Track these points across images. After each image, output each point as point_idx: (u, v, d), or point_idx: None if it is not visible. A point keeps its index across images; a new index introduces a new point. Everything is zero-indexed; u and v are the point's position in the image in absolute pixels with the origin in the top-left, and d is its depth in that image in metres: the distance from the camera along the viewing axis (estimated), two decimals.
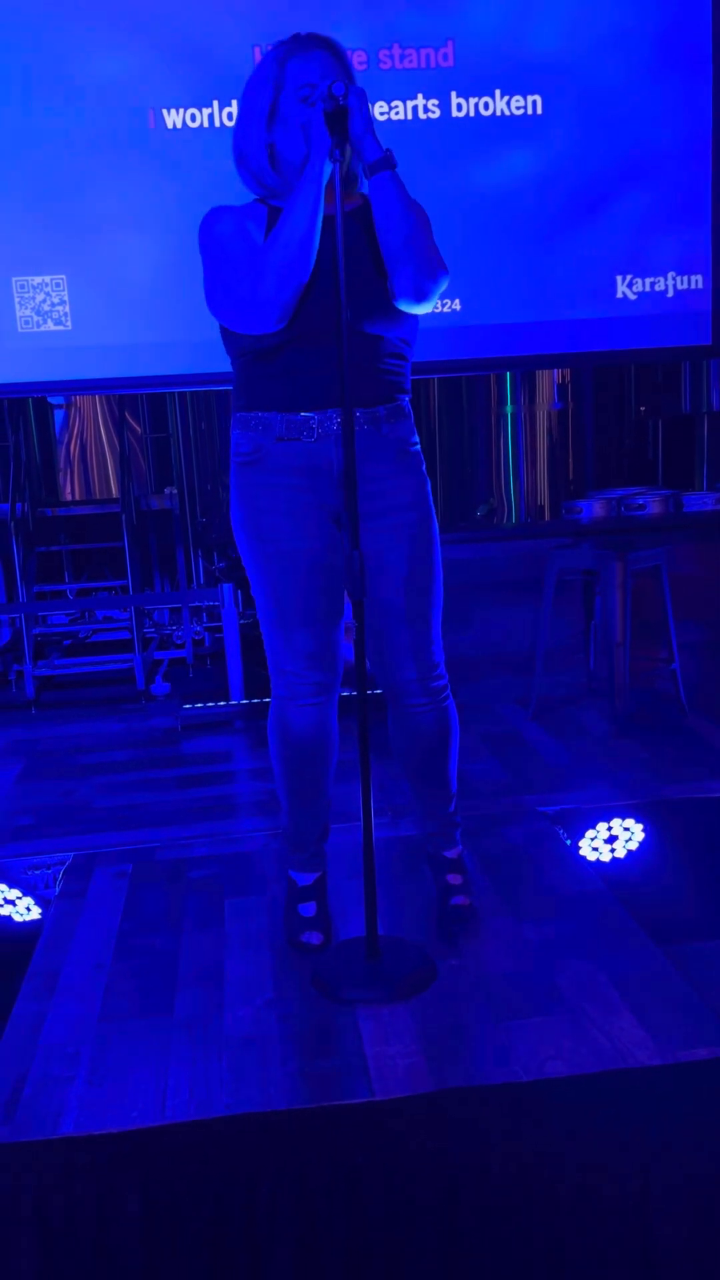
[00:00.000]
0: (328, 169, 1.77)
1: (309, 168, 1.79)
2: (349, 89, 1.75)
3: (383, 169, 1.81)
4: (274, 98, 1.88)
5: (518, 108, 3.54)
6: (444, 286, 1.92)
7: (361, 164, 1.84)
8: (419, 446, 2.04)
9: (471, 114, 3.52)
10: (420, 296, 1.87)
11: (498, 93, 3.52)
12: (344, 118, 1.76)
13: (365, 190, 1.91)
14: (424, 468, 2.05)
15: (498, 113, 3.53)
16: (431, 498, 2.05)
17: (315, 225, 1.80)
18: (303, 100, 1.85)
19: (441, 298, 2.10)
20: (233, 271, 1.87)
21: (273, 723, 2.11)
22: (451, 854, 2.23)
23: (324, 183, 1.79)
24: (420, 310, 1.92)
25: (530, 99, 3.53)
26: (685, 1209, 1.56)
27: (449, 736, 2.13)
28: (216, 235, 1.91)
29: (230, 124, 3.39)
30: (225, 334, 1.97)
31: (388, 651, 2.05)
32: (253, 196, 1.99)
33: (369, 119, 1.79)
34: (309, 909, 2.14)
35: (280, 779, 2.15)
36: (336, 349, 1.79)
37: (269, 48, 1.92)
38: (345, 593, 1.99)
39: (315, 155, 1.78)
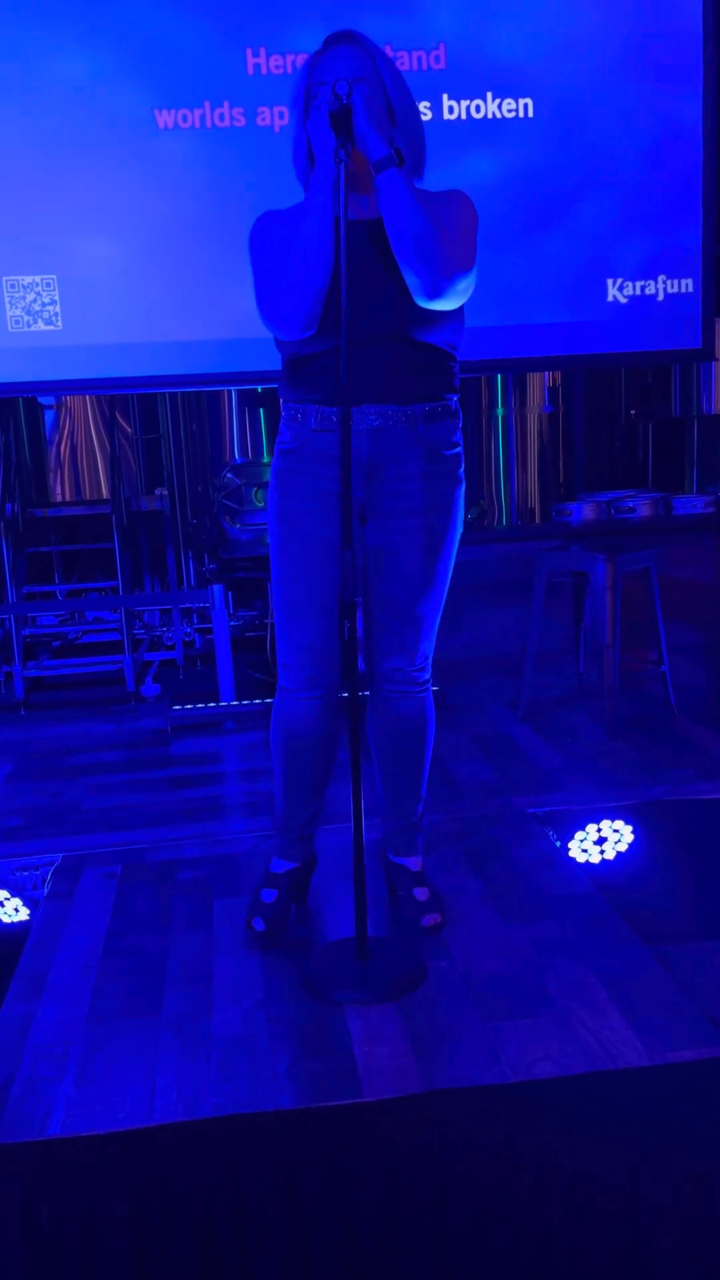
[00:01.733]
0: (335, 169, 1.75)
1: (317, 170, 1.79)
2: (353, 87, 1.73)
3: (387, 167, 1.80)
4: (305, 96, 1.89)
5: (509, 110, 3.54)
6: (464, 283, 1.89)
7: (369, 163, 1.82)
8: (459, 450, 2.03)
9: (463, 116, 3.53)
10: (436, 294, 1.85)
11: (489, 95, 3.52)
12: (348, 116, 1.74)
13: None
14: (461, 470, 2.03)
15: (489, 115, 3.54)
16: (461, 503, 2.04)
17: (325, 230, 1.79)
18: (316, 98, 1.85)
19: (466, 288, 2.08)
20: (267, 280, 1.91)
21: (276, 715, 2.13)
22: (413, 865, 2.21)
23: (332, 184, 1.77)
24: (443, 306, 1.89)
25: (521, 101, 3.54)
26: (675, 1209, 1.56)
27: (424, 731, 2.14)
28: (257, 244, 1.95)
29: (222, 125, 3.40)
30: (275, 339, 2.00)
31: (380, 641, 2.07)
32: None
33: (375, 117, 1.78)
34: (269, 895, 2.16)
35: (277, 767, 2.17)
36: (369, 350, 1.82)
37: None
38: (361, 590, 2.02)
39: (321, 157, 1.78)
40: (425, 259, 1.82)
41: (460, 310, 1.96)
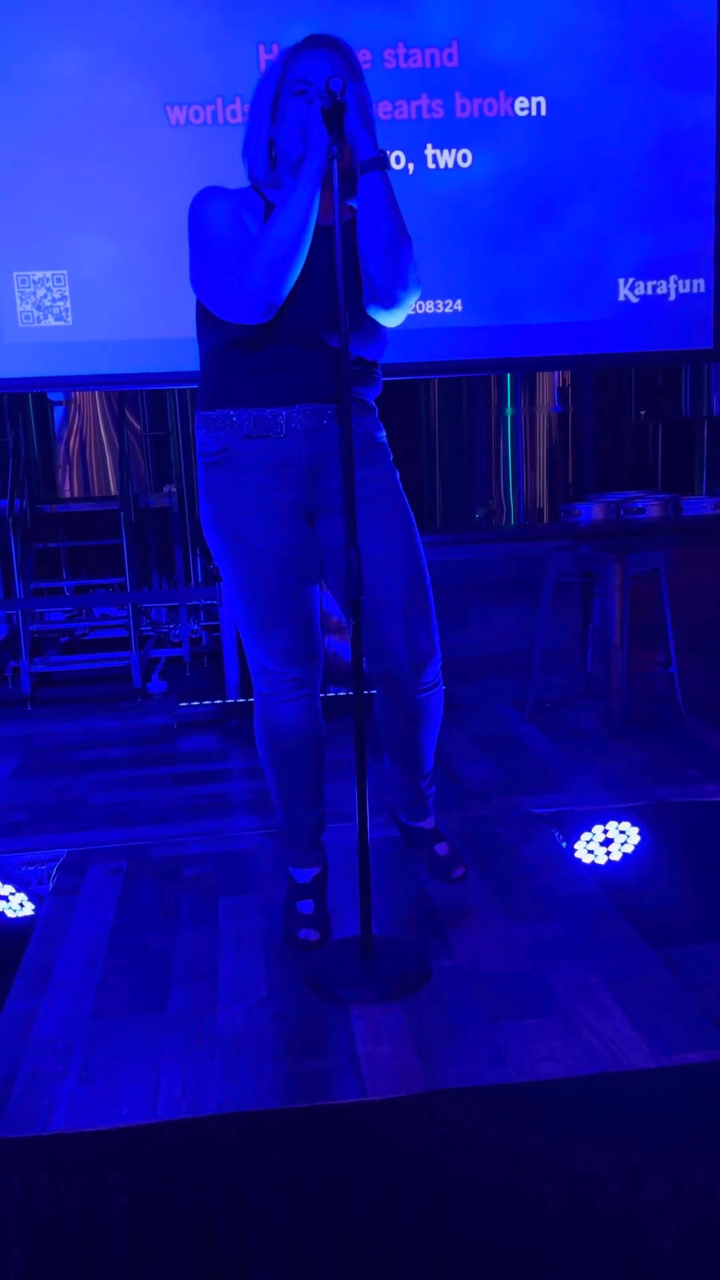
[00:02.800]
0: (326, 167, 1.76)
1: (306, 164, 1.78)
2: (346, 85, 1.74)
3: (373, 169, 1.81)
4: (275, 94, 1.89)
5: (521, 109, 3.53)
6: (413, 299, 1.92)
7: (355, 162, 1.82)
8: (385, 438, 2.04)
9: (475, 114, 3.52)
10: (390, 303, 1.88)
11: (501, 93, 3.52)
12: (341, 114, 1.75)
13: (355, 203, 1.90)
14: (390, 459, 2.04)
15: (501, 113, 3.53)
16: (401, 486, 2.04)
17: (309, 222, 1.79)
18: (297, 94, 1.84)
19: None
20: (224, 257, 1.85)
21: (258, 721, 2.10)
22: (429, 824, 2.24)
23: (320, 180, 1.77)
24: (389, 319, 1.93)
25: (535, 100, 3.53)
26: (677, 1212, 1.56)
27: (436, 719, 2.15)
28: (209, 217, 1.89)
29: (234, 120, 3.40)
30: (203, 322, 1.95)
31: (381, 642, 2.03)
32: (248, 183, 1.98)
33: (366, 118, 1.79)
34: (307, 906, 2.14)
35: (270, 776, 2.14)
36: (303, 351, 1.83)
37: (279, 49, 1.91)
38: (318, 588, 2.02)
39: (313, 152, 1.77)
40: (393, 265, 1.84)
41: (386, 332, 1.99)
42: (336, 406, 1.92)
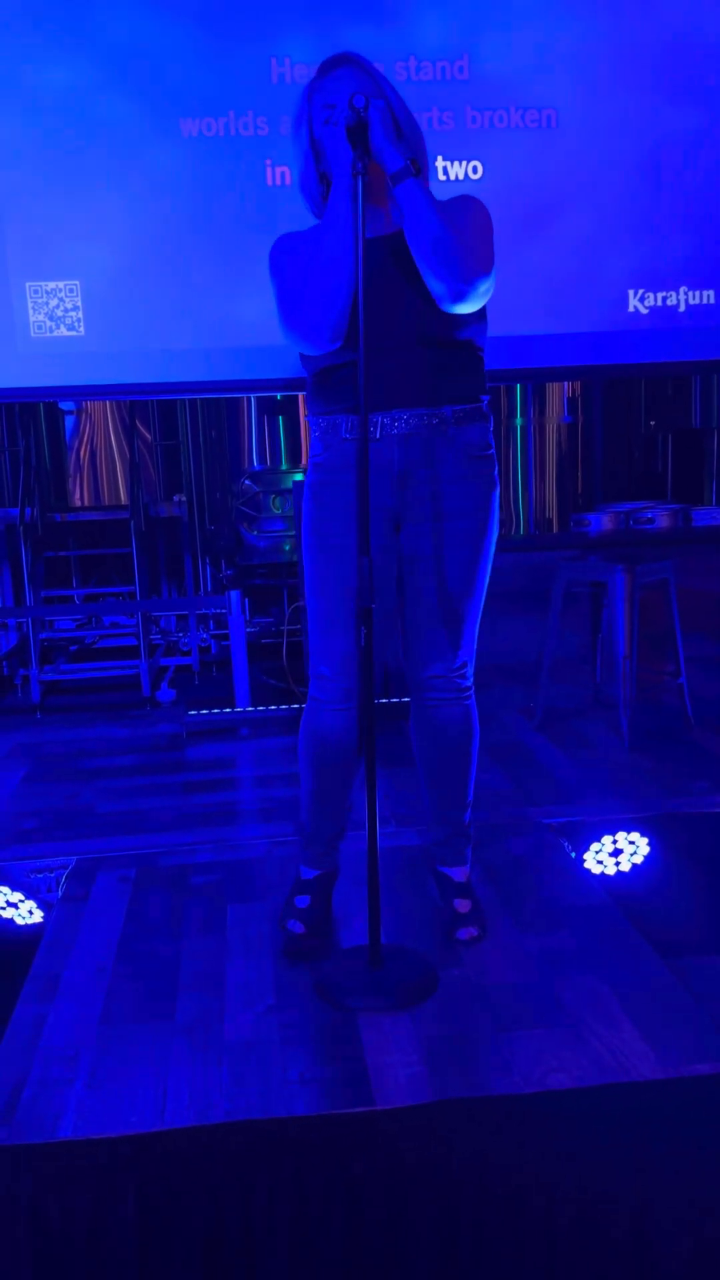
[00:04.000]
0: (354, 183, 1.77)
1: (335, 185, 1.80)
2: (369, 101, 1.75)
3: (405, 178, 1.82)
4: (310, 133, 1.93)
5: (531, 121, 3.55)
6: (485, 286, 1.91)
7: (386, 175, 1.84)
8: (492, 451, 2.04)
9: (486, 126, 3.53)
10: (458, 298, 1.87)
11: (511, 106, 3.53)
12: (365, 130, 1.76)
13: None
14: (494, 473, 2.04)
15: (511, 125, 3.54)
16: (496, 505, 2.05)
17: (349, 243, 1.80)
18: (325, 123, 1.88)
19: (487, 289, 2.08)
20: (290, 296, 1.92)
21: (305, 725, 2.13)
22: (459, 876, 2.20)
23: (351, 197, 1.79)
24: (466, 309, 1.91)
25: (544, 112, 3.54)
26: (685, 1224, 1.55)
27: (469, 737, 2.13)
28: (278, 263, 1.97)
29: (246, 133, 3.42)
30: (301, 353, 2.01)
31: (417, 647, 2.07)
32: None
33: (391, 130, 1.80)
34: (303, 900, 2.16)
35: (305, 778, 2.16)
36: (393, 355, 1.85)
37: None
38: (392, 598, 2.03)
39: (339, 171, 1.79)
40: (447, 265, 1.84)
41: (483, 310, 1.97)
42: (434, 412, 1.94)
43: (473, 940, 2.11)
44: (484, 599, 2.08)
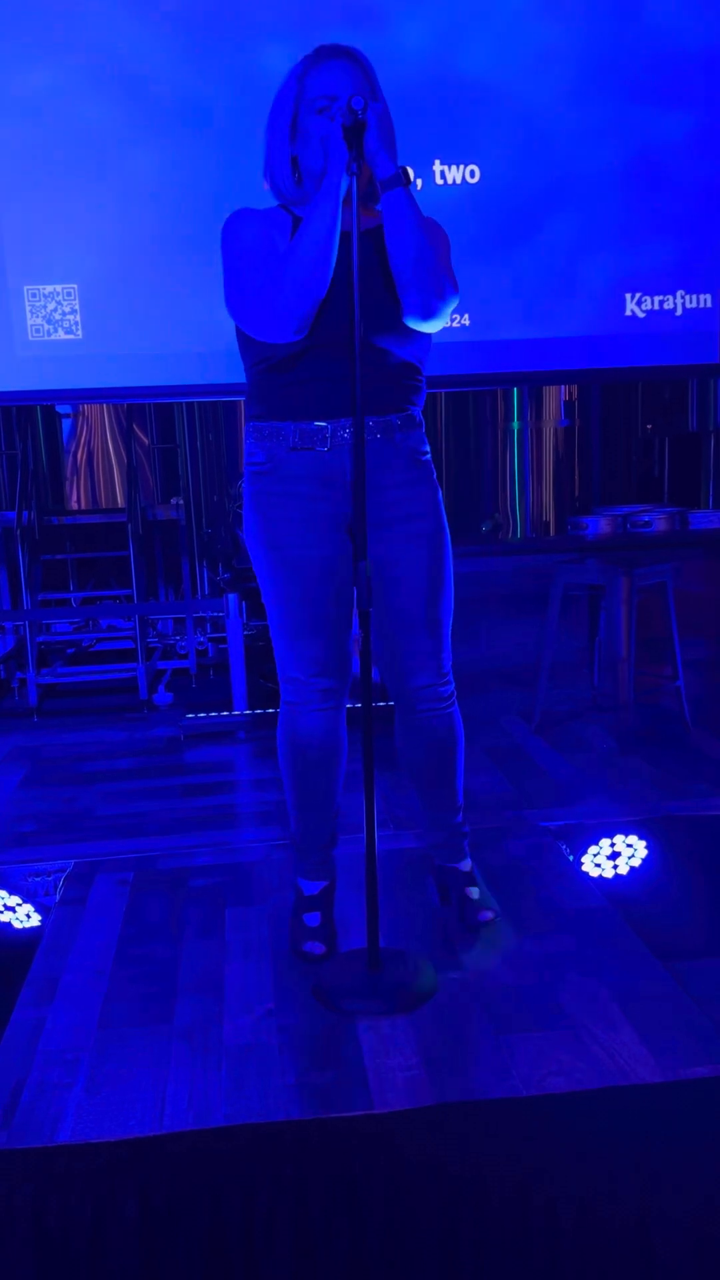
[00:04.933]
0: (345, 182, 1.78)
1: (326, 181, 1.80)
2: (368, 104, 1.75)
3: (395, 186, 1.82)
4: (294, 112, 1.91)
5: (528, 124, 3.55)
6: (452, 306, 1.93)
7: (375, 180, 1.84)
8: (430, 456, 2.05)
9: (483, 129, 3.54)
10: (428, 314, 1.89)
11: (507, 110, 3.54)
12: (362, 132, 1.76)
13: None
14: (435, 476, 2.06)
15: (509, 129, 3.55)
16: (442, 506, 2.06)
17: (332, 238, 1.81)
18: (319, 112, 1.87)
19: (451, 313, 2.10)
20: (253, 279, 1.88)
21: (281, 730, 2.12)
22: (463, 866, 2.23)
23: (341, 196, 1.80)
24: (429, 328, 1.94)
25: (542, 115, 3.55)
26: (686, 1227, 1.55)
27: (456, 742, 2.14)
28: (239, 239, 1.92)
29: (243, 135, 3.42)
30: (242, 341, 1.99)
31: (401, 658, 2.06)
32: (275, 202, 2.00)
33: (385, 135, 1.80)
34: (313, 919, 2.14)
35: (288, 786, 2.15)
36: (347, 359, 1.81)
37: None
38: (353, 603, 2.01)
39: (332, 169, 1.79)
40: (423, 279, 1.85)
41: (428, 334, 1.99)
42: (382, 420, 1.94)
43: (492, 921, 2.15)
44: (453, 598, 2.08)
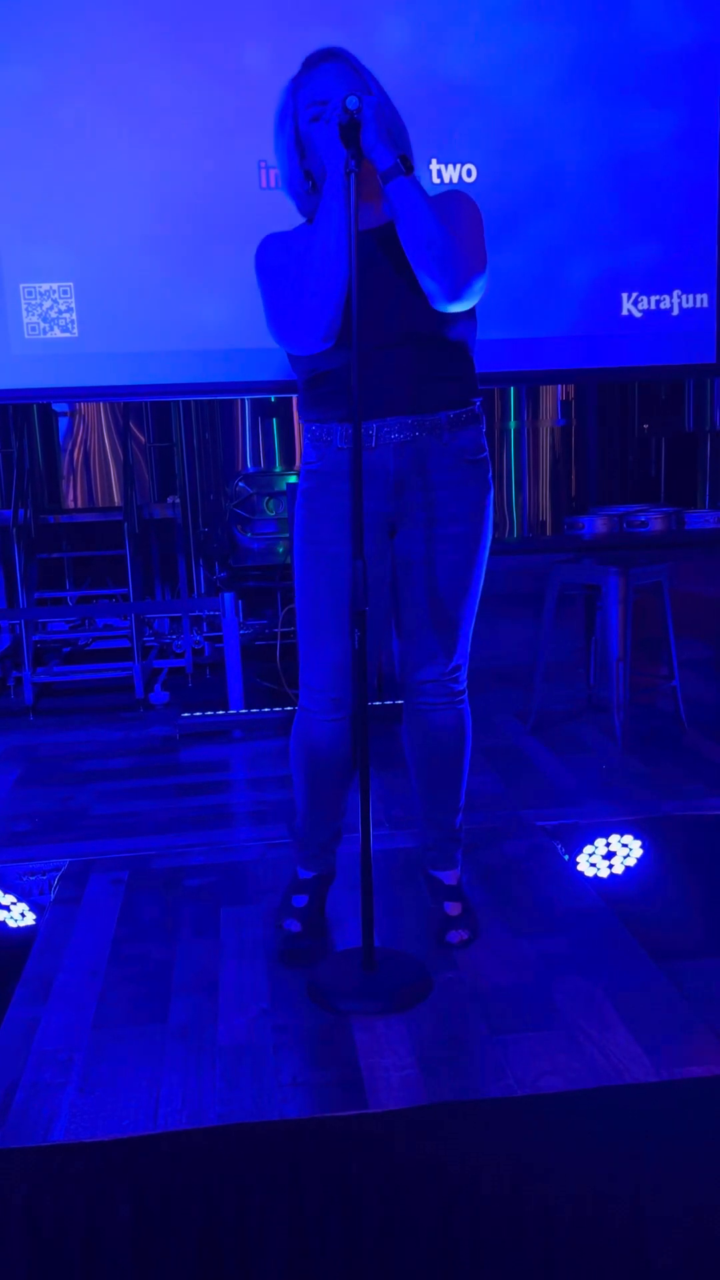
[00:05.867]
0: (347, 181, 1.77)
1: (328, 183, 1.80)
2: (362, 101, 1.75)
3: (395, 176, 1.81)
4: (295, 128, 1.92)
5: (524, 124, 3.55)
6: (481, 283, 1.90)
7: (377, 173, 1.84)
8: (486, 454, 2.03)
9: (480, 129, 3.54)
10: (452, 296, 1.86)
11: (502, 109, 3.53)
12: (358, 129, 1.76)
13: None
14: (489, 476, 2.04)
15: (506, 128, 3.55)
16: (490, 509, 2.05)
17: (342, 241, 1.80)
18: (313, 120, 1.87)
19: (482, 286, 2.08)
20: (281, 298, 1.91)
21: (296, 733, 2.13)
22: (449, 879, 2.20)
23: (346, 196, 1.78)
24: (458, 308, 1.89)
25: (539, 115, 3.55)
26: (681, 1226, 1.55)
27: (461, 741, 2.14)
28: (267, 265, 1.96)
29: (240, 135, 3.42)
30: (291, 360, 2.01)
31: (413, 652, 2.07)
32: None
33: (382, 128, 1.79)
34: (300, 899, 2.16)
35: (298, 786, 2.17)
36: (386, 355, 1.83)
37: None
38: (386, 603, 2.03)
39: (331, 170, 1.79)
40: (442, 263, 1.83)
41: (472, 309, 1.96)
42: (429, 418, 1.94)
43: (463, 943, 2.11)
44: (478, 603, 2.08)
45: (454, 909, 2.16)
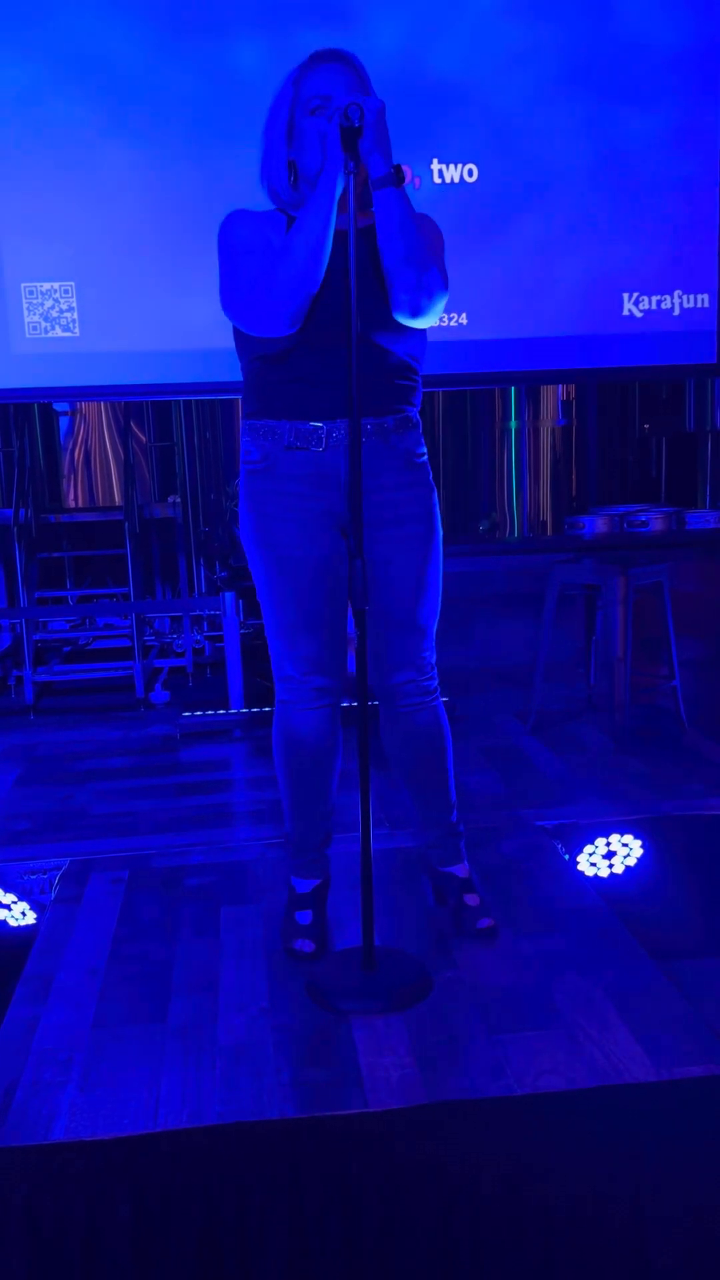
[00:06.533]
0: (341, 182, 1.79)
1: (323, 180, 1.81)
2: (365, 108, 1.76)
3: (387, 185, 1.83)
4: (289, 116, 1.92)
5: (527, 124, 3.55)
6: (441, 304, 1.94)
7: (369, 179, 1.85)
8: (426, 458, 2.06)
9: (482, 129, 3.54)
10: (416, 312, 1.90)
11: (500, 109, 3.54)
12: (358, 137, 1.77)
13: None
14: (431, 478, 2.06)
15: (507, 128, 3.55)
16: (438, 508, 2.07)
17: (326, 234, 1.82)
18: (313, 112, 1.88)
19: (448, 311, 2.11)
20: (248, 274, 1.89)
21: (276, 728, 2.12)
22: (460, 872, 2.20)
23: (337, 196, 1.80)
24: (419, 325, 1.94)
25: (541, 115, 3.55)
26: (680, 1226, 1.55)
27: (442, 738, 2.14)
28: (235, 236, 1.94)
29: (242, 136, 3.42)
30: (238, 336, 1.99)
31: (386, 655, 2.07)
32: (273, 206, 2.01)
33: (379, 136, 1.81)
34: (305, 916, 2.14)
35: (283, 784, 2.15)
36: (344, 356, 1.81)
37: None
38: (347, 601, 2.01)
39: (330, 169, 1.80)
40: (418, 275, 1.86)
41: (423, 330, 1.99)
42: (377, 421, 1.94)
43: (491, 930, 2.13)
44: (440, 600, 2.09)
45: (473, 900, 2.18)
